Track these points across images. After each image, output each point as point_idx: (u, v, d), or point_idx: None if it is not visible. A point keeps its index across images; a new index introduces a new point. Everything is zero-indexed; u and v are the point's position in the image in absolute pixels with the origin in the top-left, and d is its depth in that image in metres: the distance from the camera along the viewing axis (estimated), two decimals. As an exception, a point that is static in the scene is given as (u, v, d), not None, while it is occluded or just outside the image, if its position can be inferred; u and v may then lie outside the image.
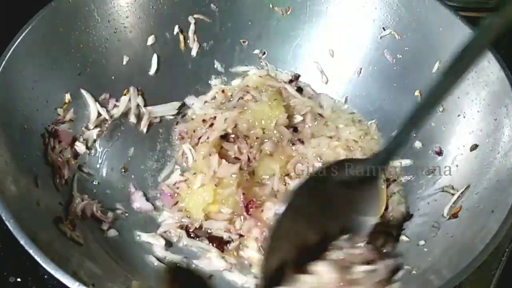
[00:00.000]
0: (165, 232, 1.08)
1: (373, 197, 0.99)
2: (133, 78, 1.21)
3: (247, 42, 1.29)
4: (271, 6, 1.26)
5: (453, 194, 1.03)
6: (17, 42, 1.01)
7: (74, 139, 1.10)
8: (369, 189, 0.98)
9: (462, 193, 1.02)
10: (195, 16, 1.24)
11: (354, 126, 1.23)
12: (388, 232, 1.06)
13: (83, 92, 1.12)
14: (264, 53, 1.30)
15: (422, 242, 1.02)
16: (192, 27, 1.24)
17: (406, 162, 1.16)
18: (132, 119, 1.19)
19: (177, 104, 1.25)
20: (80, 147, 1.11)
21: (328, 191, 0.95)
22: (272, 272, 0.91)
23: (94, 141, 1.14)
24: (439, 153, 1.11)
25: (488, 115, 1.03)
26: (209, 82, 1.29)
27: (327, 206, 0.95)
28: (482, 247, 0.84)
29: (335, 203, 0.96)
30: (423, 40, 1.15)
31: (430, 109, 0.83)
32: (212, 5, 1.24)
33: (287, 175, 1.15)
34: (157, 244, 1.06)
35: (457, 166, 1.07)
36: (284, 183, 1.14)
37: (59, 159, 1.06)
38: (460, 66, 0.77)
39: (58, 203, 1.01)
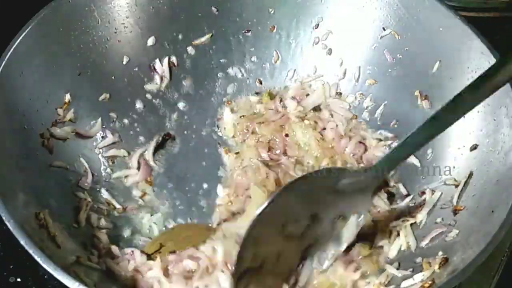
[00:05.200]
0: None
1: (361, 203, 0.97)
2: (133, 78, 1.21)
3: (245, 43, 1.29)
4: (270, 10, 1.26)
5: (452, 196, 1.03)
6: (17, 42, 1.01)
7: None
8: (359, 196, 0.96)
9: (460, 193, 1.02)
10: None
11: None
12: None
13: None
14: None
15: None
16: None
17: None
18: None
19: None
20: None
21: (315, 195, 0.93)
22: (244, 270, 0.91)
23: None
24: (438, 153, 1.11)
25: (488, 115, 1.03)
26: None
27: (312, 209, 0.94)
28: (482, 247, 0.84)
29: (321, 207, 0.94)
30: (423, 40, 1.15)
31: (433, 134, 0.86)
32: (212, 7, 1.25)
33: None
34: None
35: (455, 166, 1.07)
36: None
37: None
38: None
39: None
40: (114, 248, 1.01)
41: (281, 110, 1.24)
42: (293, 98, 1.25)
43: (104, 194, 1.10)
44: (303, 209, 0.94)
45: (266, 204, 0.89)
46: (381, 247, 1.04)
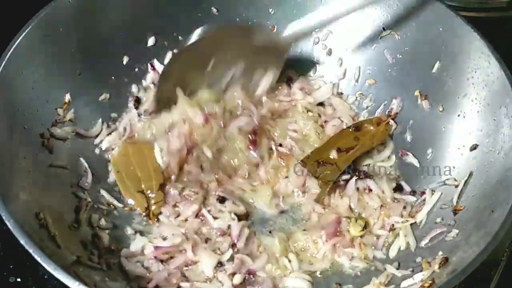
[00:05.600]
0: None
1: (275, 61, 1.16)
2: (133, 78, 1.22)
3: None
4: (270, 10, 1.26)
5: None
6: (17, 42, 1.01)
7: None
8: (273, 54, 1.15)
9: (460, 193, 1.02)
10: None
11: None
12: None
13: None
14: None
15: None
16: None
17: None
18: None
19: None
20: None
21: (234, 45, 1.12)
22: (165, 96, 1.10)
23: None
24: (438, 153, 1.11)
25: (488, 115, 1.03)
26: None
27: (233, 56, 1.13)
28: (482, 247, 0.84)
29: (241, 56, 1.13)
30: (423, 40, 1.15)
31: None
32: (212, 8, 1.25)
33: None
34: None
35: (455, 166, 1.07)
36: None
37: None
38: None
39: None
40: (126, 250, 1.01)
41: (291, 97, 1.25)
42: (301, 89, 1.25)
43: (104, 194, 1.10)
44: (224, 55, 1.11)
45: (188, 44, 1.11)
46: (378, 236, 1.06)
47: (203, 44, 1.13)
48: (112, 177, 1.13)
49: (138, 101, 1.20)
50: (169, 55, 1.24)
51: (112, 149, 1.16)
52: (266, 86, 1.18)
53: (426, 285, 0.87)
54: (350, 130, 1.19)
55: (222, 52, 1.12)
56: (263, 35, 1.14)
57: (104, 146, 1.15)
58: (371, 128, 1.18)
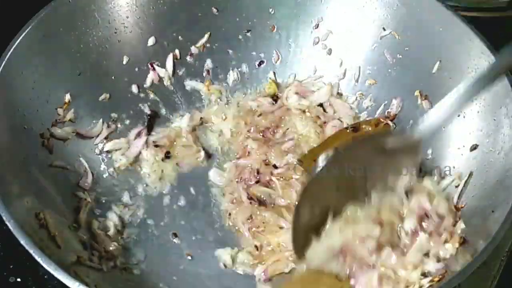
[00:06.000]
0: None
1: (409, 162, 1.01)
2: (133, 78, 1.22)
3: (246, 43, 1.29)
4: (270, 10, 1.26)
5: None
6: (17, 42, 1.01)
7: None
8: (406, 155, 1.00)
9: (460, 193, 1.02)
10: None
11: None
12: None
13: None
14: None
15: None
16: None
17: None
18: None
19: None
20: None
21: (366, 156, 0.98)
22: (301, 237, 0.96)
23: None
24: (438, 153, 1.11)
25: (488, 115, 1.03)
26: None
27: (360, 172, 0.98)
28: (482, 247, 0.84)
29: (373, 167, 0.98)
30: (423, 40, 1.15)
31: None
32: (212, 8, 1.25)
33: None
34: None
35: (455, 166, 1.07)
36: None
37: None
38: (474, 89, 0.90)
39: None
40: None
41: (282, 103, 1.25)
42: (297, 93, 1.25)
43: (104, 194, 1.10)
44: (356, 171, 0.98)
45: (319, 170, 0.98)
46: None
47: (331, 168, 0.98)
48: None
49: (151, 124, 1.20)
50: (170, 56, 1.24)
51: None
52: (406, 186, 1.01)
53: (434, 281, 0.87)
54: (348, 130, 1.19)
55: (352, 170, 0.98)
56: (394, 138, 1.00)
57: (106, 148, 1.16)
58: (370, 129, 1.18)
